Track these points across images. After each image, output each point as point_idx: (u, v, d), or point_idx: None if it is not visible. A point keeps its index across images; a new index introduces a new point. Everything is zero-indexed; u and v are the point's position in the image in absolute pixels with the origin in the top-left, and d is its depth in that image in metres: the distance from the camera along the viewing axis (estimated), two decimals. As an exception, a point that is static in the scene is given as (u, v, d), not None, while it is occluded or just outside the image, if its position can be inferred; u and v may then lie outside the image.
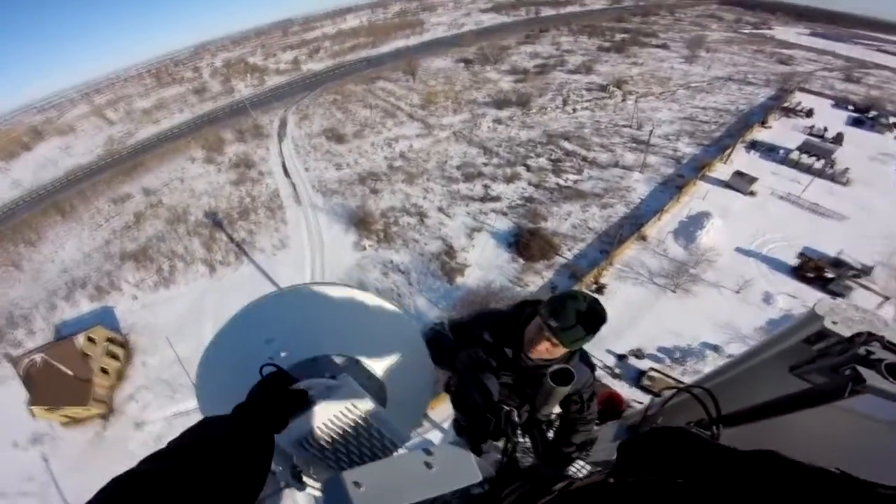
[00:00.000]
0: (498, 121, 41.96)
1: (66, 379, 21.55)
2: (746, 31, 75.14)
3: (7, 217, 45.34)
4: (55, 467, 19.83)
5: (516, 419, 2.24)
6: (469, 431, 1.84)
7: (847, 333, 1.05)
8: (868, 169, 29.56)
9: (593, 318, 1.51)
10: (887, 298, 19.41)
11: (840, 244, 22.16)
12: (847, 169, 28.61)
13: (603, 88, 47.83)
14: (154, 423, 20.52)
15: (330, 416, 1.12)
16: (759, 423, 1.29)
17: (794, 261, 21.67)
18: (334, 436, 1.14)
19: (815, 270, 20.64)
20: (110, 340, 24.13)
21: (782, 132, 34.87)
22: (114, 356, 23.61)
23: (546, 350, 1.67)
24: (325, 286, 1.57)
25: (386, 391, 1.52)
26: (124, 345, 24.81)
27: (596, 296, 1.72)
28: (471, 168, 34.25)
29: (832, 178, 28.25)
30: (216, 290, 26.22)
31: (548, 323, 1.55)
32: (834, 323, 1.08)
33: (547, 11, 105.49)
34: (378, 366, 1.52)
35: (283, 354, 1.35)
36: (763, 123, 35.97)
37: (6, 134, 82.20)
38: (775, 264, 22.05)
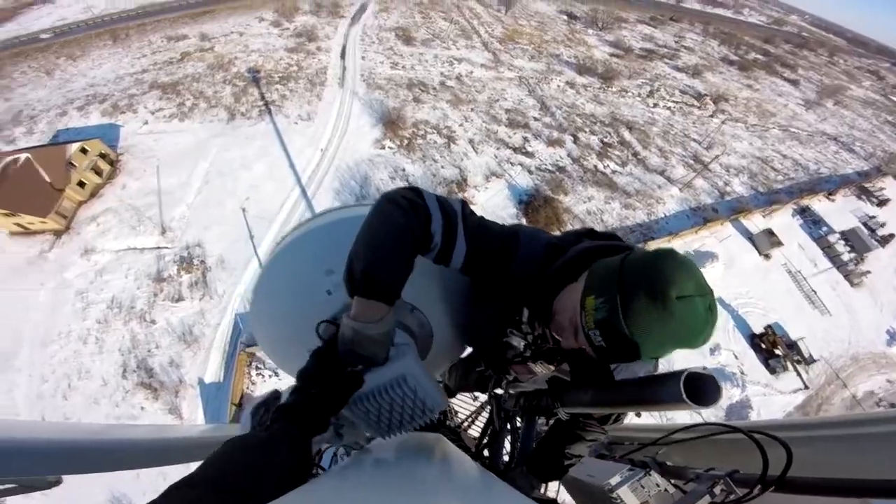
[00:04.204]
0: (571, 84, 39.49)
1: (39, 185, 19.84)
2: (896, 99, 65.57)
3: (64, 34, 45.11)
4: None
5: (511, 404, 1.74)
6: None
7: None
8: (886, 281, 26.99)
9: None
10: (806, 387, 20.16)
11: (806, 332, 21.88)
12: (868, 272, 26.33)
13: (698, 97, 43.75)
14: (102, 254, 19.63)
15: (381, 388, 0.99)
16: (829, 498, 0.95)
17: (758, 329, 21.58)
18: (377, 402, 1.01)
19: (770, 344, 20.89)
20: (102, 156, 23.20)
21: (840, 210, 31.54)
22: (98, 171, 22.66)
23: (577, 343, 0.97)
24: None
25: (432, 344, 1.33)
26: (114, 162, 24.05)
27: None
28: (520, 116, 33.03)
29: (847, 275, 26.17)
30: (226, 136, 27.04)
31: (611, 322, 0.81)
32: None
33: (692, 3, 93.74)
34: (431, 312, 1.29)
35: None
36: (830, 194, 32.63)
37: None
38: (741, 325, 21.67)
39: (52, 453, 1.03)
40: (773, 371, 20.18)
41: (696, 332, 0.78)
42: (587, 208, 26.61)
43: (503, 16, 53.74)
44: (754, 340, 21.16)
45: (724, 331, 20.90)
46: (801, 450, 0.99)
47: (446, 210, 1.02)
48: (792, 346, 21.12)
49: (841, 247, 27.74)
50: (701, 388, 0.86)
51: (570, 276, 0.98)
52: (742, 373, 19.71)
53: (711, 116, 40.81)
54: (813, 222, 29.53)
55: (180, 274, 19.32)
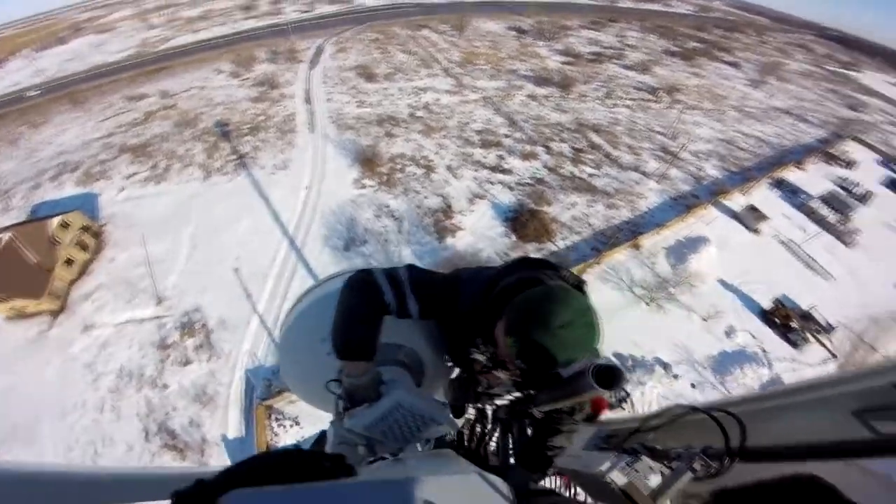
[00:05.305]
0: (533, 97, 40.59)
1: (26, 266, 19.59)
2: (830, 69, 70.04)
3: (19, 101, 45.09)
4: (-15, 365, 18.58)
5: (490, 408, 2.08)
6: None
7: None
8: (878, 235, 27.98)
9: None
10: (835, 356, 19.75)
11: (816, 300, 21.81)
12: (858, 230, 27.27)
13: (653, 91, 45.62)
14: (103, 328, 19.60)
15: (383, 415, 1.27)
16: (785, 464, 1.08)
17: (767, 304, 21.42)
18: (388, 425, 1.29)
19: (783, 318, 20.64)
20: (85, 228, 22.55)
21: (814, 177, 33.01)
22: (84, 246, 22.01)
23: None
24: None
25: (425, 371, 1.65)
26: (98, 235, 23.36)
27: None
28: (491, 136, 33.54)
29: (839, 236, 26.97)
30: (205, 195, 26.54)
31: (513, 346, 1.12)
32: None
33: (626, 2, 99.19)
34: (419, 346, 1.61)
35: None
36: (799, 164, 34.10)
37: (47, 27, 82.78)
38: (749, 303, 21.70)
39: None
40: (794, 345, 19.85)
41: (584, 344, 1.09)
42: (572, 215, 26.88)
43: (458, 40, 55.34)
44: (766, 317, 20.95)
45: (735, 312, 21.00)
46: (754, 422, 1.17)
47: (394, 280, 1.33)
48: (806, 316, 20.83)
49: (824, 210, 28.66)
50: (610, 376, 1.16)
51: (495, 312, 1.22)
52: (764, 351, 19.55)
53: (669, 108, 42.45)
54: (791, 192, 30.65)
55: (184, 339, 19.13)
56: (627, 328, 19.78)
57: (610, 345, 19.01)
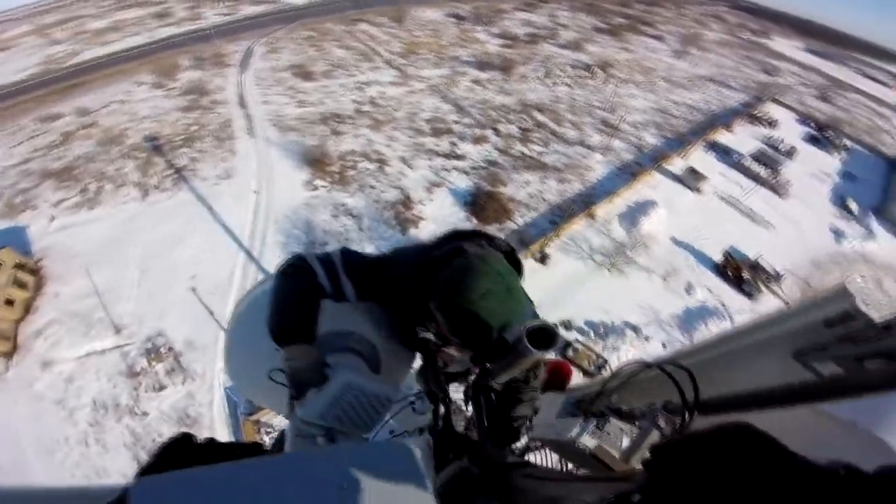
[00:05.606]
0: (477, 82, 40.84)
1: None
2: (744, 37, 75.56)
3: None
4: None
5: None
6: None
7: (877, 317, 0.87)
8: (806, 185, 31.30)
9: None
10: (787, 304, 21.18)
11: (761, 249, 23.67)
12: (788, 182, 30.04)
13: (587, 68, 47.22)
14: (64, 363, 18.65)
15: (334, 398, 1.18)
16: (741, 413, 1.07)
17: (718, 258, 22.90)
18: (343, 409, 1.20)
19: (734, 270, 22.13)
20: (19, 266, 20.77)
21: (743, 138, 35.95)
22: (21, 285, 20.41)
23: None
24: None
25: (381, 357, 1.56)
26: (35, 271, 21.55)
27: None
28: (441, 124, 33.46)
29: (773, 188, 29.73)
30: (147, 215, 24.51)
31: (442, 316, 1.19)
32: (865, 304, 0.89)
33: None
34: (369, 333, 1.55)
35: None
36: (727, 127, 36.83)
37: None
38: (702, 259, 23.26)
39: None
40: (749, 296, 21.17)
41: (508, 309, 1.12)
42: (528, 192, 27.55)
43: (398, 31, 54.38)
44: (719, 270, 22.35)
45: (690, 269, 22.38)
46: (705, 373, 1.15)
47: (327, 263, 1.32)
48: (755, 266, 22.24)
49: (756, 167, 31.27)
50: (544, 337, 1.18)
51: (428, 289, 1.22)
52: (723, 305, 20.95)
53: (604, 83, 44.19)
54: (724, 152, 33.07)
55: (152, 365, 18.17)
56: (595, 296, 20.57)
57: (581, 314, 19.68)
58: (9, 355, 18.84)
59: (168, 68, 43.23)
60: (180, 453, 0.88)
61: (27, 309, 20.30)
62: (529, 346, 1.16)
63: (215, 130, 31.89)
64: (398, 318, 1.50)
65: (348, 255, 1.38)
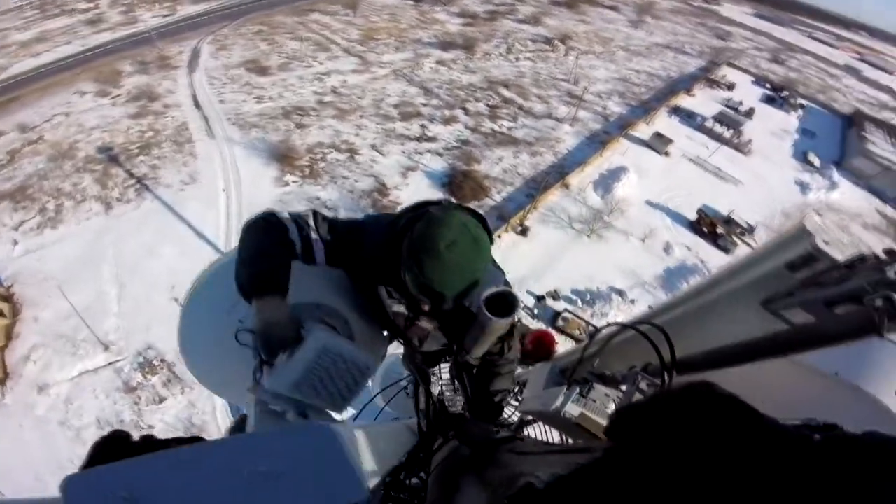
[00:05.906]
0: (441, 62, 40.31)
1: None
2: (696, 4, 77.12)
3: None
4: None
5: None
6: None
7: (840, 257, 0.78)
8: (768, 143, 32.92)
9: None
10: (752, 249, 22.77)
11: (732, 205, 24.67)
12: (751, 140, 31.53)
13: (548, 41, 47.36)
14: (59, 385, 18.40)
15: (311, 363, 1.07)
16: (720, 371, 1.01)
17: (693, 216, 23.71)
18: (318, 377, 1.09)
19: (709, 226, 22.92)
20: None
21: (703, 101, 37.17)
22: None
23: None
24: None
25: (353, 334, 1.45)
26: (8, 298, 21.08)
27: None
28: (409, 107, 32.96)
29: (737, 147, 31.07)
30: (114, 230, 23.29)
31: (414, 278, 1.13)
32: (826, 243, 0.81)
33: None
34: (339, 305, 1.45)
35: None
36: (688, 91, 37.89)
37: None
38: (677, 218, 24.07)
39: None
40: (726, 250, 21.91)
41: (473, 261, 1.09)
42: (502, 168, 27.70)
43: (353, 18, 52.81)
44: (695, 227, 23.07)
45: (666, 228, 23.06)
46: (681, 331, 1.12)
47: (299, 221, 1.26)
48: (728, 220, 23.10)
49: (719, 128, 32.49)
50: (503, 303, 1.17)
51: (396, 255, 1.18)
52: (702, 262, 21.68)
53: (566, 56, 44.44)
54: (687, 116, 34.12)
55: (148, 378, 18.00)
56: (578, 264, 20.95)
57: (567, 283, 19.98)
58: (1, 382, 18.73)
59: (110, 75, 40.63)
60: (111, 452, 0.84)
61: (8, 336, 19.99)
62: (488, 314, 1.15)
63: (172, 135, 30.34)
64: (368, 291, 1.44)
65: (320, 216, 1.32)
